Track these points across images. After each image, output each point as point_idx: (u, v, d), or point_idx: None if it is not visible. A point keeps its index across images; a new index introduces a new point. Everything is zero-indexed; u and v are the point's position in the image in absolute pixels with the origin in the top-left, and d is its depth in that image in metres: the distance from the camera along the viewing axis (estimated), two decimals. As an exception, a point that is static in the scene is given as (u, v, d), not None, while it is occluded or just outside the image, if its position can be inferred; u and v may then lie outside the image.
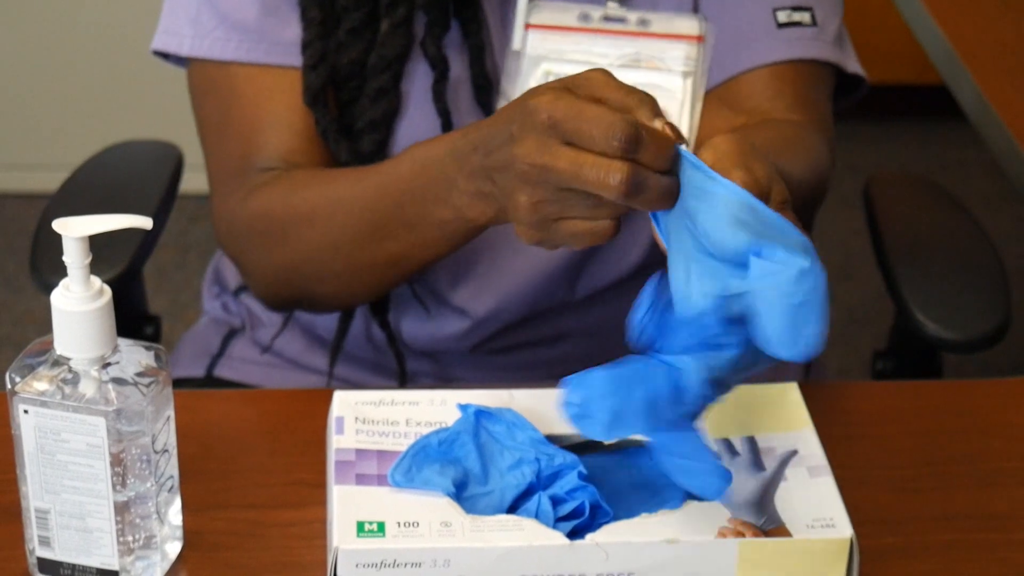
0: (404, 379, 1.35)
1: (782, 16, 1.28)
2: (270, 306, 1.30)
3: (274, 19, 1.26)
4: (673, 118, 1.23)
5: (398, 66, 1.25)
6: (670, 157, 0.94)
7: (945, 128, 3.27)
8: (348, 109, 1.27)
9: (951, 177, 3.19)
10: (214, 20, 1.27)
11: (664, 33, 1.24)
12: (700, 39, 1.24)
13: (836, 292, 2.88)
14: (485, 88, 1.27)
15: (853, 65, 1.33)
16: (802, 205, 1.14)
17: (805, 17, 1.28)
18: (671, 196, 0.95)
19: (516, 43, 1.26)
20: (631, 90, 0.96)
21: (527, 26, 1.25)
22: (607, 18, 1.25)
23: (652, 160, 0.94)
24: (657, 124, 0.95)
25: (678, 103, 1.24)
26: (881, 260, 1.48)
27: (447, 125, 1.26)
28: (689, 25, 1.24)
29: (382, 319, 1.33)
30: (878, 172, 1.66)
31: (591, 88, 0.97)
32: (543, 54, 1.25)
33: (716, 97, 1.27)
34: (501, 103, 1.27)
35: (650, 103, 0.96)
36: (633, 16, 1.25)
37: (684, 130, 1.24)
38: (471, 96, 1.27)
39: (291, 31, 1.26)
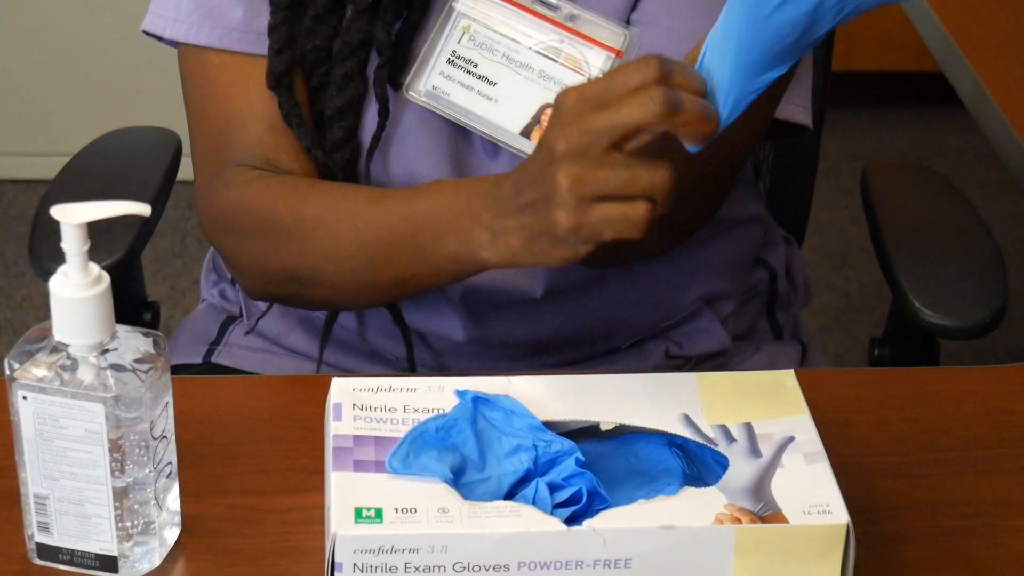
0: (414, 370, 1.35)
1: None
2: (257, 299, 1.32)
3: (249, 8, 1.27)
4: None
5: (363, 52, 1.26)
6: (699, 81, 0.98)
7: (943, 116, 3.27)
8: (318, 96, 1.27)
9: (949, 165, 3.19)
10: (191, 5, 1.28)
11: (587, 36, 1.24)
12: (619, 54, 1.24)
13: (833, 279, 2.88)
14: (399, 65, 1.27)
15: (789, 110, 1.30)
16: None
17: None
18: (710, 117, 0.97)
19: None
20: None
21: None
22: (541, 1, 1.25)
23: (683, 82, 0.97)
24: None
25: None
26: (879, 247, 1.48)
27: (383, 111, 1.26)
28: (614, 36, 1.24)
29: (395, 313, 1.33)
30: (876, 160, 1.66)
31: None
32: (470, 16, 1.25)
33: None
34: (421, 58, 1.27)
35: None
36: (565, 7, 1.25)
37: None
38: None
39: (264, 20, 1.26)
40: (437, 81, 1.25)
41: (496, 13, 1.25)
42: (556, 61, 1.24)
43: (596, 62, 1.24)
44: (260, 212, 1.24)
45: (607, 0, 1.26)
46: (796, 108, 1.31)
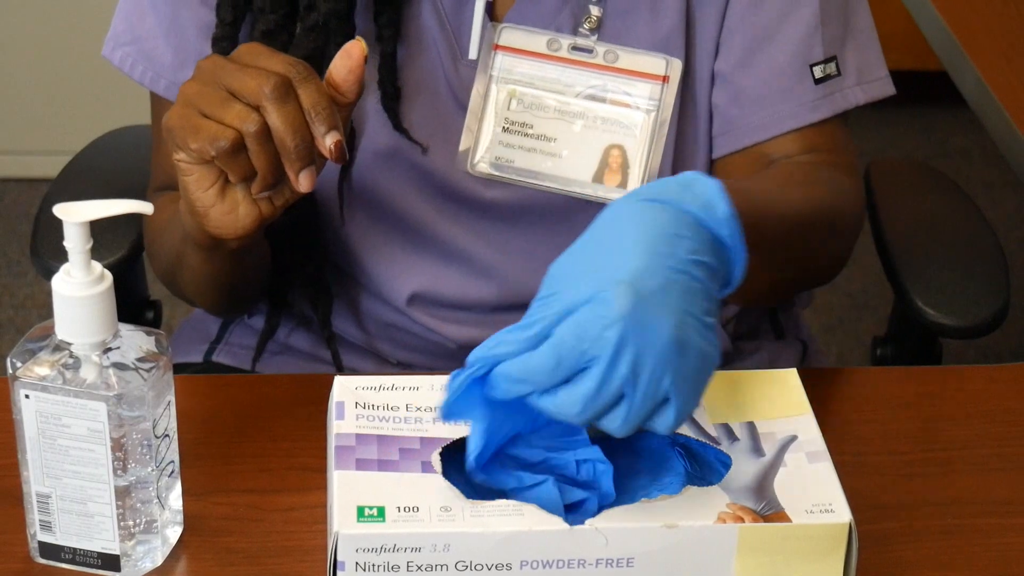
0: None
1: (818, 71, 1.29)
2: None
3: (176, 56, 1.29)
4: (634, 155, 1.25)
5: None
6: (320, 105, 1.05)
7: (946, 114, 3.27)
8: None
9: (952, 163, 3.18)
10: (129, 35, 1.31)
11: (630, 70, 1.25)
12: (665, 79, 1.25)
13: (836, 278, 2.88)
14: (392, 95, 1.27)
15: (879, 88, 1.34)
16: (798, 237, 1.17)
17: (832, 68, 1.30)
18: (296, 131, 1.04)
19: (472, 53, 1.26)
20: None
21: (495, 47, 1.26)
22: (576, 48, 1.26)
23: (307, 96, 1.05)
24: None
25: (638, 141, 1.25)
26: (881, 246, 1.48)
27: (351, 131, 1.27)
28: (655, 64, 1.26)
29: (323, 320, 1.34)
30: (879, 158, 1.66)
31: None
32: (510, 78, 1.26)
33: (746, 155, 1.29)
34: (458, 115, 1.27)
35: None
36: (602, 48, 1.26)
37: (643, 168, 1.26)
38: (378, 101, 1.28)
39: (191, 71, 1.28)
40: (498, 151, 1.26)
41: (536, 71, 1.26)
42: (605, 102, 1.25)
43: (643, 93, 1.26)
44: (147, 228, 1.34)
45: (638, 30, 1.27)
46: (884, 82, 1.36)
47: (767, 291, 1.25)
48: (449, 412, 0.96)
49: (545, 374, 0.91)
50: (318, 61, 1.24)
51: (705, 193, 0.95)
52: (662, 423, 0.93)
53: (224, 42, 1.26)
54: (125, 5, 1.32)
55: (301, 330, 1.39)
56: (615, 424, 0.92)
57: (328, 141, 1.05)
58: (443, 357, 1.35)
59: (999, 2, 1.84)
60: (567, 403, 0.91)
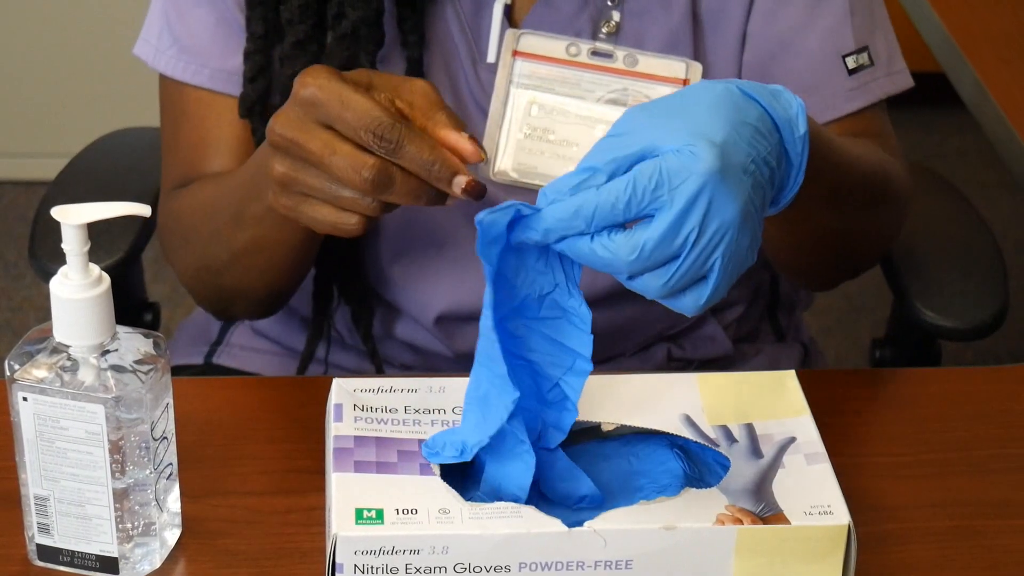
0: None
1: (851, 62, 1.29)
2: (208, 311, 1.36)
3: (220, 47, 1.29)
4: None
5: None
6: (429, 162, 1.01)
7: (944, 116, 3.27)
8: None
9: (950, 165, 3.18)
10: (169, 39, 1.31)
11: (650, 73, 1.25)
12: (685, 82, 1.25)
13: (835, 280, 2.88)
14: None
15: (902, 80, 1.34)
16: (857, 184, 1.16)
17: (865, 58, 1.30)
18: (419, 195, 1.02)
19: (491, 56, 1.26)
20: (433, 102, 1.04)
21: (515, 53, 1.26)
22: (595, 53, 1.25)
23: (410, 162, 1.01)
24: (452, 136, 1.03)
25: None
26: (879, 248, 1.48)
27: None
28: (675, 67, 1.25)
29: (365, 331, 1.33)
30: (877, 160, 1.66)
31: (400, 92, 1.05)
32: (530, 84, 1.25)
33: None
34: (480, 120, 1.27)
35: (447, 115, 1.04)
36: (621, 53, 1.25)
37: None
38: None
39: (236, 60, 1.28)
40: (520, 157, 1.26)
41: (555, 77, 1.25)
42: (626, 106, 1.25)
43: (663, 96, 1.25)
44: (175, 219, 1.30)
45: (653, 30, 1.26)
46: (905, 74, 1.35)
47: (816, 247, 1.23)
48: (486, 226, 0.94)
49: (610, 211, 0.90)
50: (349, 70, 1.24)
51: (790, 107, 0.96)
52: (693, 300, 0.93)
53: (256, 55, 1.26)
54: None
55: (301, 330, 1.39)
56: (657, 283, 0.92)
57: (457, 188, 1.03)
58: (443, 361, 1.35)
59: (997, 5, 1.84)
60: (624, 247, 0.91)
